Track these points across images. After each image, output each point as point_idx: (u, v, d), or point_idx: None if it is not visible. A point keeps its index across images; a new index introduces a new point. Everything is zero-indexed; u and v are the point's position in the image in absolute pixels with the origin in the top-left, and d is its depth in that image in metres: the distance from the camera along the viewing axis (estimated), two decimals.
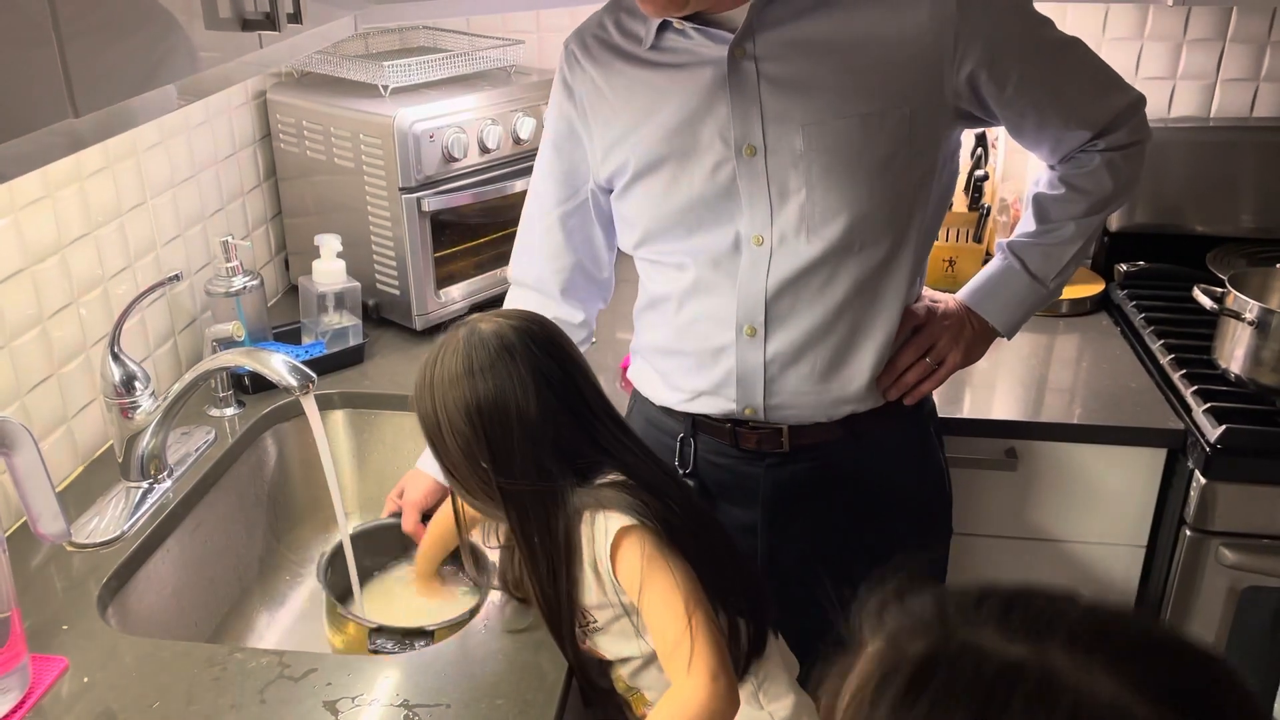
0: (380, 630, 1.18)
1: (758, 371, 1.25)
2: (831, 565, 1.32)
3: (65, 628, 1.13)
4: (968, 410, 1.59)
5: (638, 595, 1.02)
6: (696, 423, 1.33)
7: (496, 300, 1.86)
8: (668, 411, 1.34)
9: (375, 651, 1.17)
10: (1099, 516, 1.61)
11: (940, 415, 1.41)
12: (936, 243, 1.88)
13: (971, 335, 1.33)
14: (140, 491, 1.34)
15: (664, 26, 1.19)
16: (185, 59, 0.95)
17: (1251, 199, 1.94)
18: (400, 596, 1.35)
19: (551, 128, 1.33)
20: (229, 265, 1.56)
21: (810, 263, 1.20)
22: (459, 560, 1.34)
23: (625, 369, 1.41)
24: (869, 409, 1.28)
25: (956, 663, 0.47)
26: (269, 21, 1.04)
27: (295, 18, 1.08)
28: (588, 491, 1.05)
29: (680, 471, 1.34)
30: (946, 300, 1.34)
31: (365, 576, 1.35)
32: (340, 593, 1.28)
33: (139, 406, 1.31)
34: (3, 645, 1.01)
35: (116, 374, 1.29)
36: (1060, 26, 1.20)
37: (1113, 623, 0.48)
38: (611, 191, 1.28)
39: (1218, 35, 1.93)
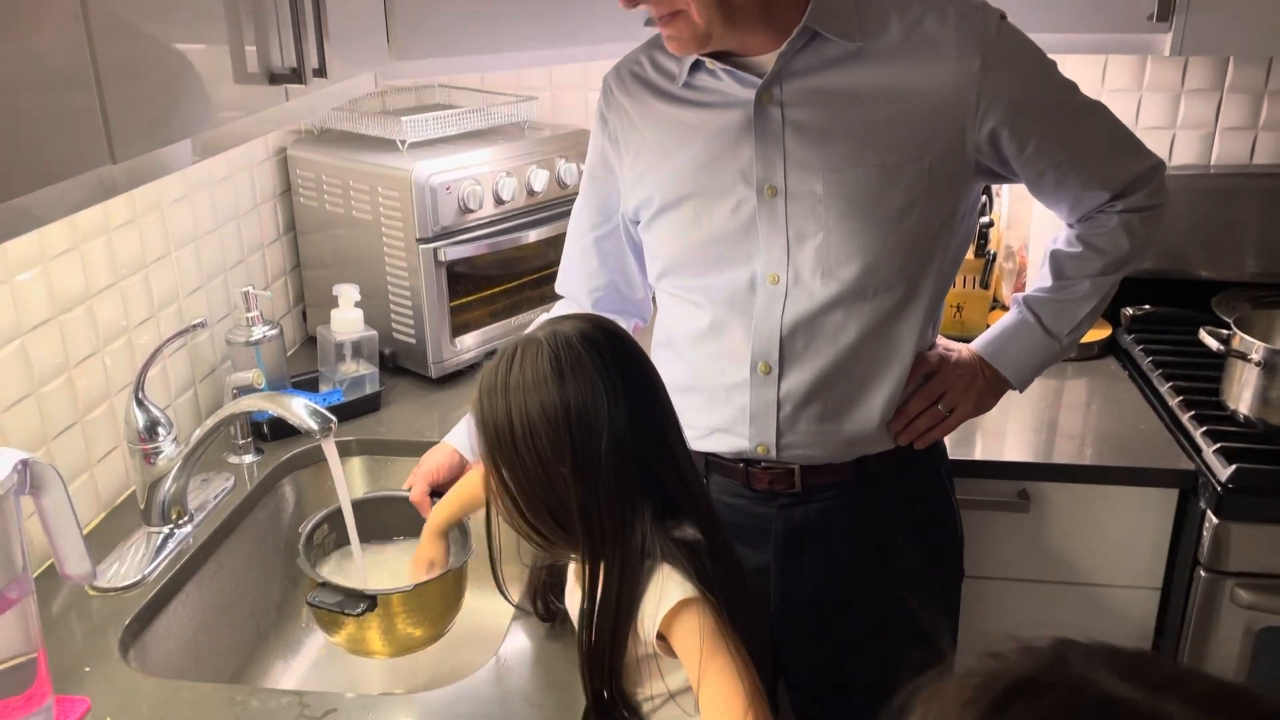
0: (324, 585, 1.20)
1: (771, 409, 1.27)
2: (843, 606, 1.34)
3: (88, 669, 1.14)
4: (979, 453, 1.60)
5: (696, 671, 0.99)
6: (709, 463, 1.34)
7: None
8: None
9: (311, 605, 1.19)
10: (1113, 558, 1.61)
11: (952, 457, 1.42)
12: None
13: (984, 385, 1.35)
14: (161, 537, 1.35)
15: (696, 66, 1.23)
16: (215, 111, 0.99)
17: (1255, 244, 1.96)
18: (393, 569, 1.35)
19: (589, 157, 1.38)
20: (249, 315, 1.59)
21: (825, 303, 1.22)
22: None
23: None
24: (880, 451, 1.30)
25: (1057, 686, 0.45)
26: (295, 76, 1.09)
27: (320, 72, 1.12)
28: (663, 537, 1.01)
29: None
30: (960, 350, 1.35)
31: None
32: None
33: (161, 452, 1.33)
34: (29, 686, 1.02)
35: (140, 420, 1.32)
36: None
37: (1240, 694, 0.45)
38: (639, 223, 1.32)
39: (1215, 85, 1.98)
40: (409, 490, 1.39)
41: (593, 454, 0.98)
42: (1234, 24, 1.60)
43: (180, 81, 0.93)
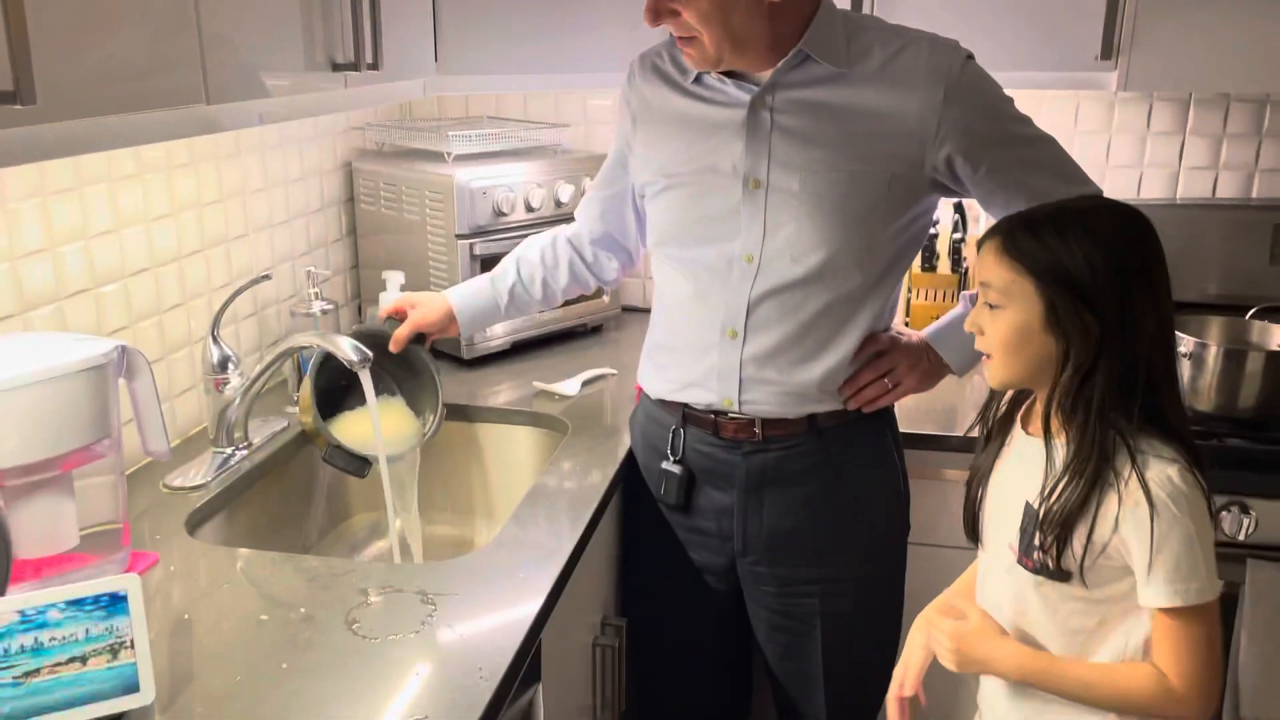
0: (338, 449, 1.55)
1: (734, 369, 1.49)
2: (796, 542, 1.54)
3: (158, 537, 1.39)
4: (935, 428, 1.79)
5: None
6: (685, 414, 1.56)
7: (537, 339, 2.16)
8: (662, 403, 1.59)
9: (326, 461, 1.55)
10: None
11: (909, 430, 1.60)
12: (923, 302, 2.12)
13: (927, 367, 1.56)
14: (224, 456, 1.61)
15: None
16: (288, 82, 1.27)
17: (1216, 269, 2.14)
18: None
19: (616, 129, 1.65)
20: (311, 290, 1.87)
21: (789, 283, 1.44)
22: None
23: (639, 390, 1.68)
24: (828, 411, 1.51)
25: None
26: (353, 66, 1.38)
27: (374, 65, 1.41)
28: None
29: (671, 459, 1.57)
30: (910, 335, 1.57)
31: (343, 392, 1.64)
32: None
33: (229, 383, 1.60)
34: (114, 551, 1.27)
35: (215, 354, 1.60)
36: (1036, 121, 1.44)
37: None
38: (644, 196, 1.57)
39: (1178, 129, 2.19)
40: (386, 320, 1.65)
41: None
42: (1175, 62, 1.82)
43: (262, 51, 1.22)
